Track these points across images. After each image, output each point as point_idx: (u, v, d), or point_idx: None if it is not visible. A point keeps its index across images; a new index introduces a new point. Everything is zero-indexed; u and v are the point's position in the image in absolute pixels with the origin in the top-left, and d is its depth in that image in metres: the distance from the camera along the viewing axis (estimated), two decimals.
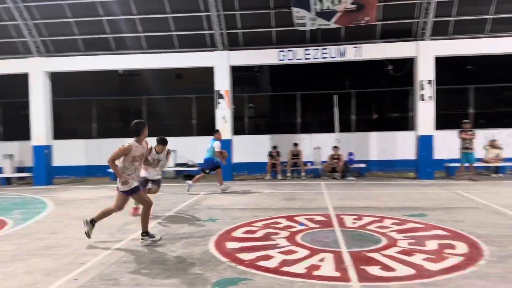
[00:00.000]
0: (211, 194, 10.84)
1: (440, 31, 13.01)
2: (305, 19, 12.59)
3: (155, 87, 18.80)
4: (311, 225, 7.17)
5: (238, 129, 15.99)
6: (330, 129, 14.70)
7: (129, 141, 5.92)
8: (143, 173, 7.38)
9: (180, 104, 17.56)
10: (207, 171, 11.07)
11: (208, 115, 14.99)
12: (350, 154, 14.18)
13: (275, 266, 5.05)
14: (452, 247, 5.68)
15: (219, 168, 11.09)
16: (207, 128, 14.74)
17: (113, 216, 6.47)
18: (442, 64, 14.79)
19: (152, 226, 6.93)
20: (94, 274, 4.81)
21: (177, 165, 14.93)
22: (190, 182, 11.00)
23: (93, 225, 6.17)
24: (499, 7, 12.57)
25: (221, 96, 13.72)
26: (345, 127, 15.90)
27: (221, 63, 13.73)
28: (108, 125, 17.58)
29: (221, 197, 10.49)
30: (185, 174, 14.18)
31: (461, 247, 5.65)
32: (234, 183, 12.82)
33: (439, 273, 4.68)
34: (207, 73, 14.18)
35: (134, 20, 13.60)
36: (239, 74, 18.02)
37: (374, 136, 15.25)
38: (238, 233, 6.72)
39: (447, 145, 13.34)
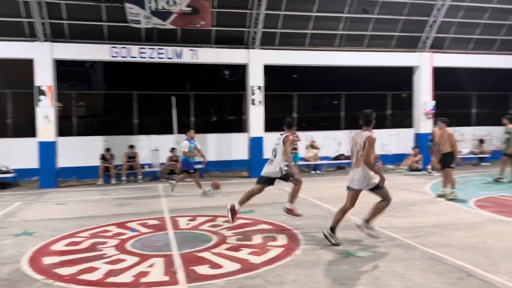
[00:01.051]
0: (30, 203, 9.57)
1: (268, 41, 14.13)
2: (139, 16, 12.19)
3: None
4: (144, 230, 6.93)
5: (66, 130, 14.53)
6: (170, 131, 14.54)
7: None
8: None
9: None
10: (191, 171, 10.46)
11: (28, 113, 13.23)
12: None
13: (99, 278, 4.70)
14: (274, 239, 6.17)
15: (194, 172, 10.53)
16: (27, 128, 12.99)
17: None
18: (271, 71, 16.16)
19: None
20: None
21: None
22: (174, 182, 10.61)
23: (333, 232, 5.83)
24: (316, 24, 14.32)
25: (42, 93, 12.25)
26: (185, 129, 15.92)
27: (42, 55, 12.27)
28: None
29: (40, 206, 9.35)
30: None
31: (282, 239, 6.18)
32: (59, 191, 11.59)
33: (262, 265, 5.01)
34: (26, 66, 12.51)
35: None
36: (67, 69, 16.30)
37: (211, 138, 15.66)
38: (59, 246, 6.06)
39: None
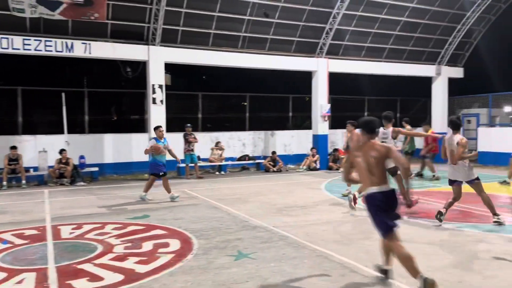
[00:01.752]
0: None
1: (170, 39, 13.71)
2: (23, 4, 11.01)
3: None
4: (19, 241, 6.17)
5: None
6: (60, 130, 13.34)
7: None
8: None
9: None
10: (160, 174, 9.51)
11: None
12: (81, 157, 13.22)
13: None
14: (166, 245, 5.88)
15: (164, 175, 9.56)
16: None
17: None
18: (177, 70, 15.75)
19: None
20: None
21: None
22: (144, 194, 9.51)
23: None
24: (219, 24, 14.24)
25: None
26: (79, 128, 14.79)
27: None
28: None
29: None
30: None
31: (175, 244, 5.92)
32: None
33: (148, 275, 4.71)
34: None
35: None
36: None
37: (109, 138, 14.73)
38: None
39: (180, 146, 14.10)
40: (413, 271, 3.92)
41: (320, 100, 16.33)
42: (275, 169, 15.30)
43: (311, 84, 16.69)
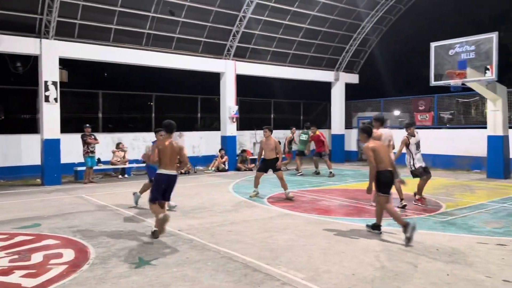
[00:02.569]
0: None
1: (66, 32, 12.72)
2: None
3: None
4: None
5: None
6: None
7: None
8: None
9: None
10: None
11: None
12: None
13: None
14: (59, 256, 5.40)
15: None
16: None
17: None
18: (75, 66, 14.62)
19: None
20: None
21: None
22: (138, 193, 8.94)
23: None
24: (121, 19, 13.57)
25: None
26: None
27: None
28: None
29: None
30: None
31: (68, 255, 5.46)
32: None
33: None
34: None
35: None
36: None
37: None
38: None
39: (78, 148, 13.13)
40: (158, 223, 6.12)
41: (228, 101, 16.44)
42: (183, 171, 15.00)
43: (220, 85, 16.73)
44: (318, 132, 14.62)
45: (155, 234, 6.17)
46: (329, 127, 21.11)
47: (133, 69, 16.45)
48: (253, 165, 16.71)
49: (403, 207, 8.20)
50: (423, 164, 8.68)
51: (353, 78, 20.96)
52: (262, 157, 10.04)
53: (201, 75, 17.24)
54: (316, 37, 18.44)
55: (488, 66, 11.59)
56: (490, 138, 13.21)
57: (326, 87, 20.76)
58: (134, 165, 15.13)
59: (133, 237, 6.28)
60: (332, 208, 8.57)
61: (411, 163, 8.60)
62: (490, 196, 9.82)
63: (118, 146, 14.62)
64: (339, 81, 20.20)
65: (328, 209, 8.45)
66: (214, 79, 17.07)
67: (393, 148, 8.49)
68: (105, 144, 14.58)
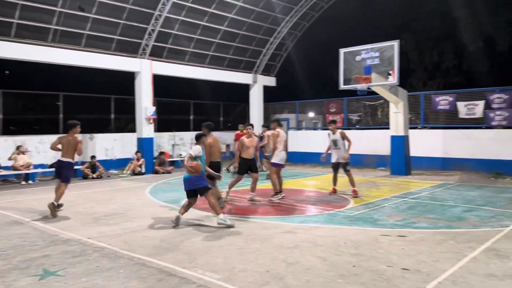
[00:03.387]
0: None
1: None
2: None
3: None
4: None
5: None
6: None
7: None
8: None
9: None
10: None
11: None
12: None
13: None
14: None
15: None
16: None
17: None
18: None
19: None
20: None
21: None
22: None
23: None
24: (24, 14, 12.52)
25: None
26: None
27: None
28: None
29: None
30: None
31: None
32: None
33: None
34: None
35: None
36: None
37: None
38: None
39: None
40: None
41: (145, 102, 15.94)
42: (94, 175, 14.25)
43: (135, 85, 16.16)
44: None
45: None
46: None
47: (39, 67, 15.24)
48: (171, 167, 16.39)
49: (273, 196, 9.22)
50: (334, 160, 10.05)
51: (271, 81, 21.53)
52: (242, 157, 9.26)
53: (115, 74, 16.50)
54: (234, 40, 18.63)
55: (391, 72, 12.57)
56: (393, 138, 14.37)
57: (245, 89, 21.08)
58: (40, 170, 14.03)
59: (37, 247, 5.82)
60: (251, 208, 8.70)
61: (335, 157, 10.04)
62: (393, 191, 10.68)
63: (18, 148, 13.39)
64: (257, 84, 20.62)
65: (247, 209, 8.57)
66: (129, 78, 16.44)
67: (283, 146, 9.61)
68: (6, 148, 13.36)
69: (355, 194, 9.71)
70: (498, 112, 13.97)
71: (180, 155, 18.21)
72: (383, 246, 5.73)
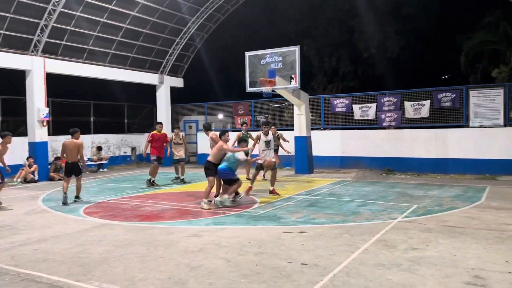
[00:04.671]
0: None
1: None
2: None
3: None
4: None
5: None
6: None
7: None
8: None
9: None
10: None
11: None
12: None
13: None
14: None
15: None
16: None
17: None
18: None
19: None
20: None
21: None
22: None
23: None
24: None
25: None
26: None
27: None
28: None
29: None
30: None
31: None
32: None
33: None
34: None
35: None
36: None
37: None
38: None
39: None
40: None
41: (37, 103, 14.62)
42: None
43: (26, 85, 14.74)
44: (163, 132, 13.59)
45: None
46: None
47: None
48: None
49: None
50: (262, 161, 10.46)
51: (178, 82, 21.15)
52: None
53: (3, 73, 14.89)
54: (138, 38, 17.96)
55: (293, 76, 13.11)
56: (297, 139, 15.01)
57: (151, 89, 20.43)
58: None
59: None
60: (155, 213, 8.43)
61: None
62: (296, 189, 11.14)
63: None
64: (164, 84, 20.12)
65: (151, 214, 8.28)
66: (19, 77, 14.95)
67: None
68: None
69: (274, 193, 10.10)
70: (388, 114, 15.35)
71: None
72: (285, 243, 5.92)
